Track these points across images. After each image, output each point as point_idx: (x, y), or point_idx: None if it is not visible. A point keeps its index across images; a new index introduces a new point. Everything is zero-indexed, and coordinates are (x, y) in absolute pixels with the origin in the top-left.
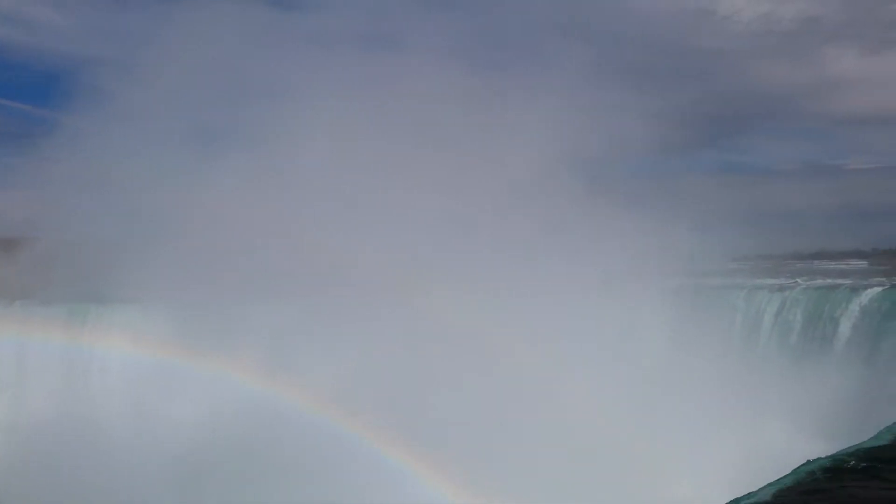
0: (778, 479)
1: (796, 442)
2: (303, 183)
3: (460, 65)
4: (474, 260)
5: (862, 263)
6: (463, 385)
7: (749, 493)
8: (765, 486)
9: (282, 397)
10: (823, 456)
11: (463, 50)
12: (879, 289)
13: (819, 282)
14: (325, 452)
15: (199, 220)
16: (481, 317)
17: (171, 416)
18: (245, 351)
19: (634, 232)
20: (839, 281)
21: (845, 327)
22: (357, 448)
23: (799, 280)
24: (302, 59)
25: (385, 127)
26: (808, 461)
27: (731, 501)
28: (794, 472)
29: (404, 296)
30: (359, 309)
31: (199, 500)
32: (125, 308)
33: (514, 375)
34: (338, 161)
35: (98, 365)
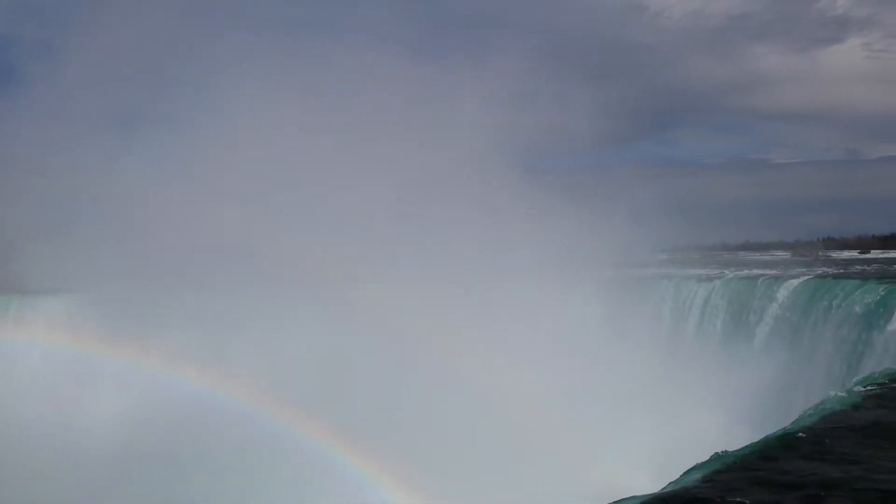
0: (702, 464)
1: (723, 428)
2: (233, 173)
3: (397, 53)
4: (410, 251)
5: (785, 255)
6: (398, 374)
7: (675, 480)
8: (689, 471)
9: (214, 390)
10: (748, 443)
11: (400, 38)
12: (801, 279)
13: (745, 272)
14: (259, 444)
15: (123, 209)
16: (417, 307)
17: (97, 411)
18: (175, 343)
19: (570, 222)
20: (763, 272)
21: (769, 317)
22: (291, 440)
23: (725, 271)
24: (230, 43)
25: (319, 115)
26: (724, 452)
27: (664, 488)
28: (719, 457)
29: (339, 288)
30: (293, 301)
31: (130, 494)
32: (49, 299)
33: (448, 364)
34: (269, 151)
35: (20, 358)
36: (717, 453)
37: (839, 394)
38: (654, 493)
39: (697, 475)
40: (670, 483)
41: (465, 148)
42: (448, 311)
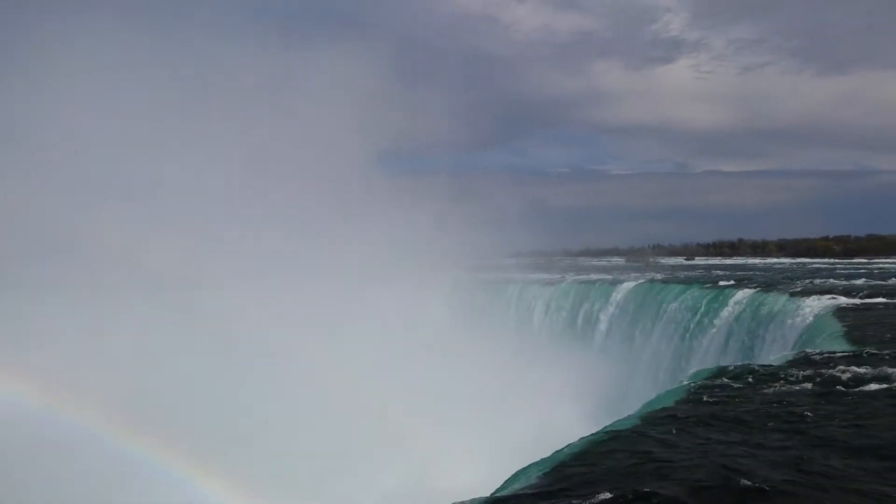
0: (540, 461)
1: (565, 421)
2: (60, 165)
3: (249, 46)
4: (252, 251)
5: (620, 260)
6: (235, 376)
7: (512, 476)
8: (527, 468)
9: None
10: (585, 435)
11: (254, 33)
12: (633, 283)
13: (584, 277)
14: (85, 454)
15: None
16: (257, 308)
17: None
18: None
19: (421, 225)
20: (601, 276)
21: (605, 318)
22: (117, 447)
23: (566, 275)
24: (59, 27)
25: (166, 109)
26: (560, 449)
27: (503, 485)
28: (556, 454)
29: (179, 290)
30: (119, 303)
31: None
32: None
33: (293, 365)
34: (108, 144)
35: None
36: (560, 449)
37: (668, 389)
38: (492, 495)
39: (535, 472)
40: (508, 480)
41: (315, 147)
42: (293, 311)
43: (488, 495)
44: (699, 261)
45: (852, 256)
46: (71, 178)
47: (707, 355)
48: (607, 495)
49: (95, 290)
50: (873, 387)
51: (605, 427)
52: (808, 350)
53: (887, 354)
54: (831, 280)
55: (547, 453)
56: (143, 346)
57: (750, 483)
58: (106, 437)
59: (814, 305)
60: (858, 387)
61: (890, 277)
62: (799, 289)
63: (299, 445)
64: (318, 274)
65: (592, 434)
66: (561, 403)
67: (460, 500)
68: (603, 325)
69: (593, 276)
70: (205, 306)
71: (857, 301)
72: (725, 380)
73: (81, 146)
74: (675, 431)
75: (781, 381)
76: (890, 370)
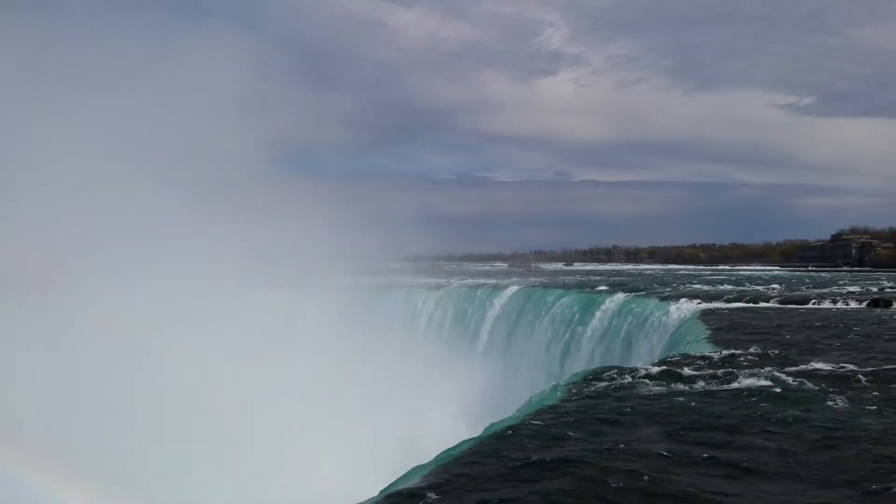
0: (425, 464)
1: (450, 422)
2: None
3: (119, 37)
4: (113, 253)
5: (503, 265)
6: (92, 382)
7: (397, 480)
8: (412, 471)
9: None
10: (467, 438)
11: (129, 23)
12: (516, 287)
13: (468, 281)
14: None
15: None
16: (125, 310)
17: None
18: None
19: (306, 228)
20: (484, 281)
21: (488, 321)
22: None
23: (451, 280)
24: None
25: (25, 98)
26: (446, 450)
27: (386, 489)
28: (441, 455)
29: (36, 290)
30: None
31: None
32: None
33: (166, 372)
34: None
35: None
36: (441, 453)
37: (547, 389)
38: (375, 498)
39: (420, 474)
40: (392, 484)
41: (193, 144)
42: (166, 312)
43: (369, 498)
44: (577, 266)
45: (717, 263)
46: None
47: (584, 357)
48: (487, 496)
49: None
50: (731, 385)
51: (486, 429)
52: (676, 352)
53: (745, 355)
54: (697, 285)
55: (427, 455)
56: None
57: (622, 481)
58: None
59: (681, 309)
60: (719, 385)
61: (749, 283)
62: (668, 293)
63: (165, 447)
64: (195, 275)
65: (473, 437)
66: (443, 405)
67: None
68: (487, 329)
69: (478, 281)
70: (67, 307)
71: (720, 305)
72: (600, 381)
73: None
74: (552, 431)
75: (652, 382)
76: (745, 370)
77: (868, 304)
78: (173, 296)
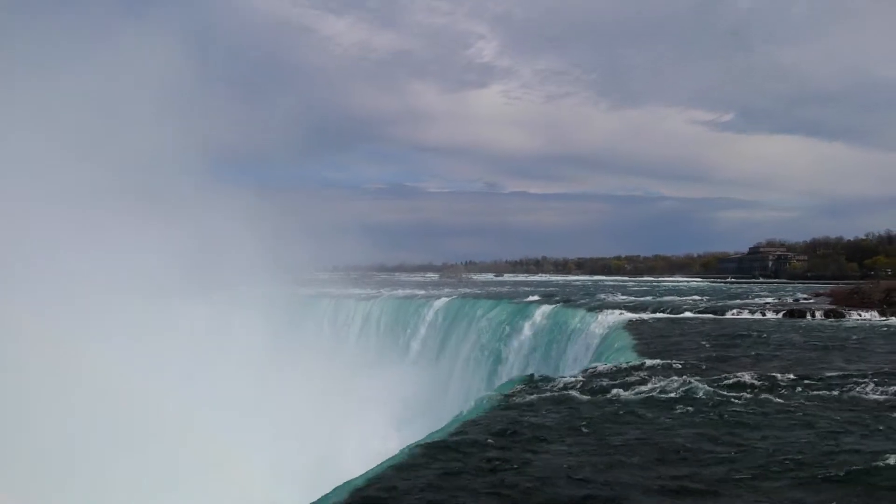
0: (354, 478)
1: (380, 433)
2: None
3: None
4: (39, 261)
5: (434, 276)
6: (19, 393)
7: (327, 494)
8: (343, 485)
9: None
10: (402, 447)
11: (51, 23)
12: (447, 298)
13: (399, 292)
14: None
15: None
16: (47, 321)
17: None
18: None
19: (230, 236)
20: (416, 291)
21: (420, 332)
22: None
23: (383, 290)
24: None
25: None
26: (378, 465)
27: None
28: (371, 469)
29: None
30: None
31: None
32: None
33: (89, 385)
34: None
35: None
36: (376, 466)
37: (479, 399)
38: None
39: (349, 488)
40: (321, 499)
41: (107, 150)
42: (77, 323)
43: None
44: (508, 277)
45: (641, 275)
46: None
47: (514, 367)
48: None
49: None
50: (656, 395)
51: (419, 440)
52: (602, 361)
53: (667, 364)
54: (623, 296)
55: (353, 468)
56: None
57: (546, 491)
58: None
59: (607, 320)
60: (642, 394)
61: (672, 294)
62: (595, 304)
63: (84, 465)
64: (120, 285)
65: (406, 448)
66: (372, 416)
67: None
68: (418, 339)
69: (409, 292)
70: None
71: (645, 316)
72: (529, 390)
73: None
74: (486, 441)
75: (578, 391)
76: (666, 379)
77: (784, 315)
78: (97, 307)
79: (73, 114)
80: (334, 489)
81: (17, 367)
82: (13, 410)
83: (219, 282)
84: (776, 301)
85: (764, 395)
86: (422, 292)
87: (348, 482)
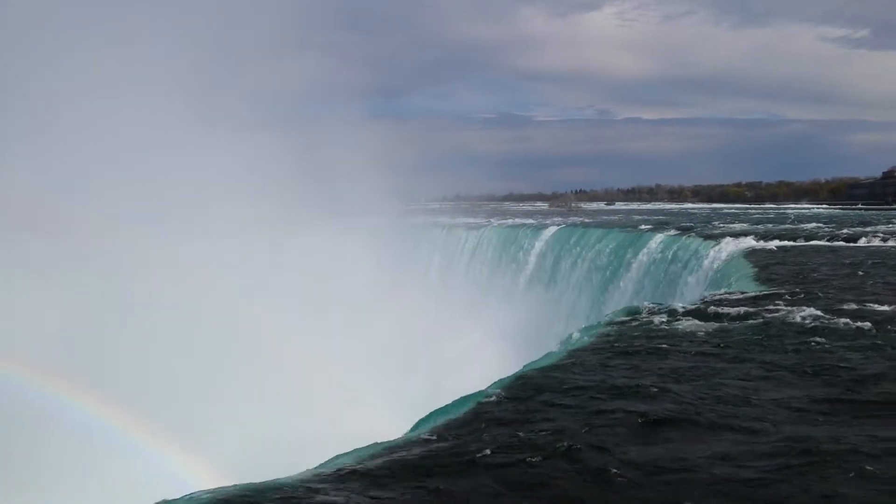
0: (464, 398)
1: (489, 361)
2: None
3: None
4: (155, 194)
5: (543, 205)
6: (159, 329)
7: (420, 421)
8: (435, 412)
9: None
10: (508, 375)
11: None
12: (556, 227)
13: (509, 221)
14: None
15: None
16: (171, 255)
17: None
18: None
19: (341, 171)
20: (525, 221)
21: (531, 260)
22: (53, 411)
23: (492, 220)
24: None
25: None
26: (480, 391)
27: (409, 431)
28: (475, 394)
29: (69, 235)
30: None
31: None
32: None
33: (214, 315)
34: None
35: None
36: (468, 395)
37: (588, 326)
38: (407, 435)
39: (456, 410)
40: (422, 420)
41: (213, 85)
42: (206, 261)
43: (402, 435)
44: (619, 206)
45: (763, 202)
46: None
47: (626, 296)
48: (524, 433)
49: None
50: (779, 324)
51: (525, 365)
52: (718, 290)
53: (791, 294)
54: (742, 224)
55: (464, 393)
56: (53, 293)
57: (663, 412)
58: (71, 406)
59: (726, 248)
60: (764, 322)
61: (796, 221)
62: (712, 232)
63: (233, 399)
64: (232, 219)
65: (511, 375)
66: (483, 343)
67: (378, 441)
68: (527, 269)
69: (518, 221)
70: (100, 256)
71: (766, 244)
72: (640, 318)
73: None
74: (594, 366)
75: (693, 319)
76: (792, 308)
77: None
78: (217, 241)
79: (195, 53)
80: (432, 413)
81: (151, 302)
82: (156, 342)
83: (330, 214)
84: None
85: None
86: (531, 221)
87: (455, 403)
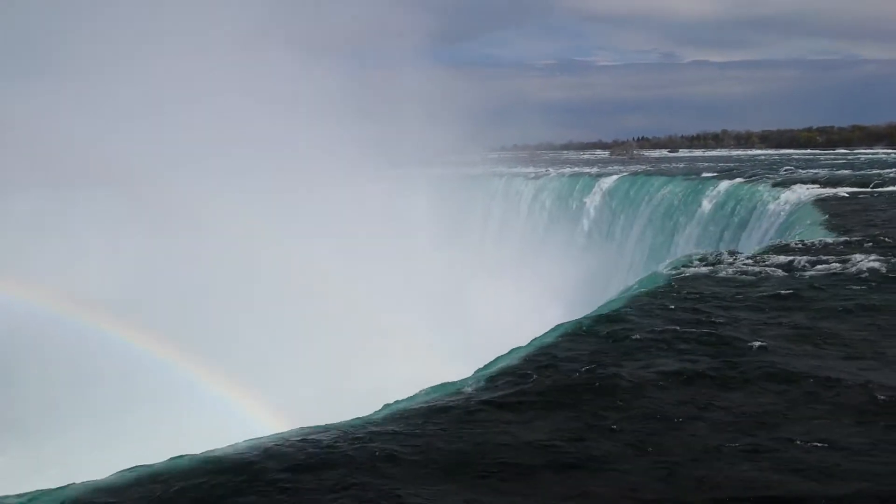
0: (518, 348)
1: (549, 315)
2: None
3: None
4: (219, 147)
5: (604, 153)
6: (226, 279)
7: (484, 366)
8: (497, 359)
9: (19, 302)
10: (567, 321)
11: None
12: (616, 176)
13: (567, 170)
14: (90, 361)
15: None
16: (233, 206)
17: None
18: None
19: (396, 120)
20: (584, 169)
21: (590, 209)
22: (127, 356)
23: (550, 169)
24: None
25: None
26: (555, 327)
27: (482, 368)
28: (535, 339)
29: (137, 186)
30: (87, 203)
31: None
32: None
33: (275, 265)
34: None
35: None
36: (540, 336)
37: (651, 274)
38: (471, 377)
39: (517, 355)
40: (487, 365)
41: (275, 41)
42: (266, 210)
43: (464, 378)
44: (683, 153)
45: (835, 147)
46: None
47: (689, 244)
48: (579, 376)
49: (56, 189)
50: (850, 272)
51: (589, 312)
52: (787, 238)
53: (863, 242)
54: (813, 170)
55: (524, 340)
56: (122, 244)
57: (729, 358)
58: (145, 351)
59: (795, 195)
60: (833, 272)
61: (869, 167)
62: (780, 179)
63: (296, 347)
64: (304, 172)
65: (571, 321)
66: (545, 291)
67: (448, 381)
68: (588, 217)
69: (578, 170)
70: (179, 203)
71: (838, 191)
72: (704, 267)
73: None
74: (656, 311)
75: (760, 266)
76: (864, 256)
77: None
78: (291, 194)
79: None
80: (500, 357)
81: (202, 250)
82: (218, 292)
83: (388, 165)
84: None
85: None
86: (591, 170)
87: (513, 350)
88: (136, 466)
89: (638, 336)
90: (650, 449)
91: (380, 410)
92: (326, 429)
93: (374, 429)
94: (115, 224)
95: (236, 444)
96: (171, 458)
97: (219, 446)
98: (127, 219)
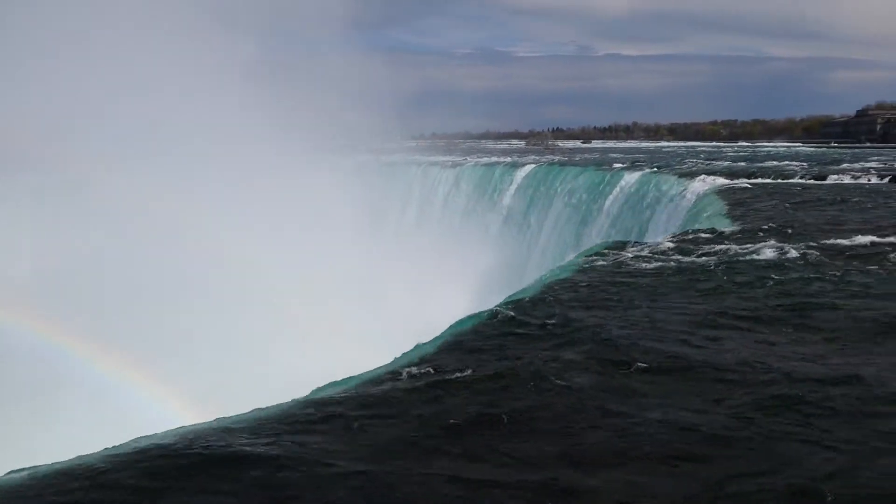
0: (435, 337)
1: (461, 302)
2: None
3: None
4: (148, 130)
5: (520, 143)
6: (152, 264)
7: (397, 358)
8: (413, 349)
9: None
10: (484, 309)
11: None
12: (532, 166)
13: (485, 160)
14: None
15: None
16: (162, 192)
17: None
18: None
19: (314, 109)
20: (501, 159)
21: (506, 198)
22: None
23: (468, 158)
24: None
25: None
26: (467, 316)
27: (387, 363)
28: (447, 329)
29: (64, 172)
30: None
31: None
32: None
33: (208, 250)
34: None
35: None
36: (452, 324)
37: (563, 263)
38: (385, 366)
39: (431, 345)
40: (404, 354)
41: (194, 27)
42: (188, 197)
43: (378, 366)
44: (596, 144)
45: (737, 140)
46: None
47: (601, 234)
48: (495, 362)
49: None
50: (751, 257)
51: (504, 299)
52: (692, 227)
53: (762, 230)
54: (717, 162)
55: (438, 330)
56: (40, 230)
57: (635, 347)
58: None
59: (699, 186)
60: (735, 259)
61: (770, 160)
62: (686, 170)
63: (191, 316)
64: (213, 161)
65: (483, 311)
66: (458, 281)
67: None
68: (503, 207)
69: (495, 159)
70: (95, 186)
71: (739, 182)
72: (616, 254)
73: None
74: (565, 302)
75: (667, 255)
76: (761, 244)
77: (890, 180)
78: (201, 181)
79: None
80: (415, 347)
81: (127, 226)
82: (127, 263)
83: (308, 150)
84: (882, 166)
85: (872, 262)
86: (507, 160)
87: (432, 340)
88: (23, 468)
89: (552, 321)
90: (569, 438)
91: (308, 396)
92: (243, 419)
93: (298, 415)
94: (43, 208)
95: (138, 437)
96: (78, 457)
97: (122, 441)
98: (34, 205)
